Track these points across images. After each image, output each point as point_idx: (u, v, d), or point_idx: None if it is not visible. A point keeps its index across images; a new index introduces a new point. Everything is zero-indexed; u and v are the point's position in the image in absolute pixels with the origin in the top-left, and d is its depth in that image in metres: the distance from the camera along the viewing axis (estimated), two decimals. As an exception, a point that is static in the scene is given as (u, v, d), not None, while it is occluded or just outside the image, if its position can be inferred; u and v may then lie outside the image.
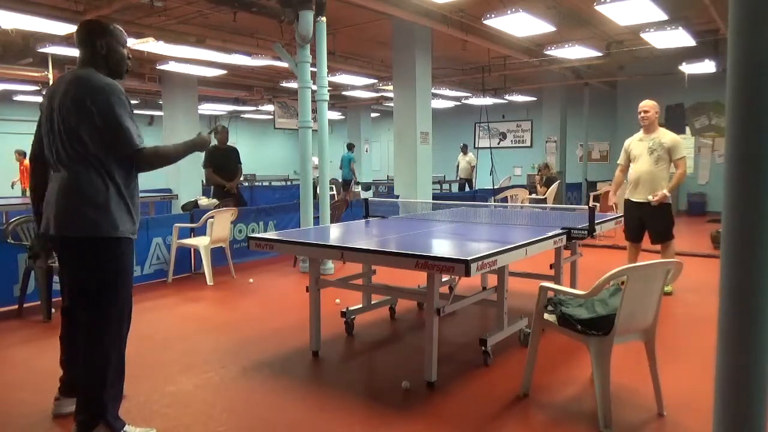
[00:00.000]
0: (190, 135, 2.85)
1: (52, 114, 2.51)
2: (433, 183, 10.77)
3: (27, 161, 13.31)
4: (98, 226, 2.44)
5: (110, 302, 2.52)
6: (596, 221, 3.84)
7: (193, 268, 6.53)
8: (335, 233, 4.32)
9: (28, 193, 11.84)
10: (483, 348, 3.51)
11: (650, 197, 5.00)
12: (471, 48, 9.85)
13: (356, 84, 12.23)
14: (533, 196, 10.20)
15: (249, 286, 6.02)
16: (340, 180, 14.32)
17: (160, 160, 2.58)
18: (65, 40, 7.72)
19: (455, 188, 14.97)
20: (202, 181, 11.13)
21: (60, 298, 2.78)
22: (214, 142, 7.81)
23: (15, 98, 14.42)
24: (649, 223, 5.17)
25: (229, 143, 7.92)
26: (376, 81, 12.20)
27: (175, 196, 11.00)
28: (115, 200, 2.48)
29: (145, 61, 10.59)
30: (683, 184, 12.02)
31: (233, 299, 5.54)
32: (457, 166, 15.06)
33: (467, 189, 14.05)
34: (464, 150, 14.83)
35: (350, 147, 14.99)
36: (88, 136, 2.43)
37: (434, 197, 10.50)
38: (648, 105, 5.14)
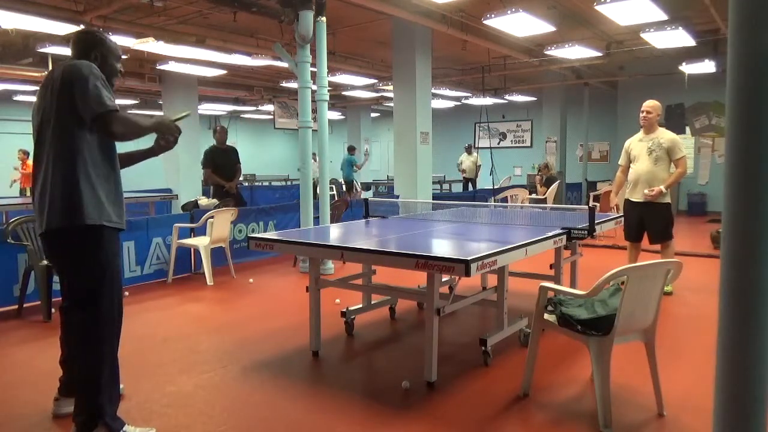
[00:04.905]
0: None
1: (42, 105, 2.51)
2: (433, 183, 10.78)
3: (30, 161, 13.25)
4: (74, 215, 2.42)
5: (101, 301, 2.50)
6: (596, 221, 3.85)
7: (193, 268, 6.53)
8: (335, 233, 4.32)
9: (28, 193, 11.91)
10: (483, 348, 3.51)
11: (646, 191, 5.00)
12: (471, 48, 9.85)
13: (356, 84, 12.23)
14: (533, 196, 10.20)
15: (249, 286, 6.01)
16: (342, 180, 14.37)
17: (130, 126, 2.50)
18: (65, 40, 7.71)
19: (456, 187, 14.95)
20: (202, 181, 11.13)
21: (60, 298, 2.78)
22: (210, 141, 7.82)
23: (15, 98, 14.42)
24: (648, 222, 5.17)
25: (228, 143, 7.91)
26: (376, 81, 12.20)
27: (175, 196, 10.98)
28: (89, 188, 2.45)
29: (145, 61, 10.56)
30: (683, 184, 12.06)
31: (233, 299, 5.54)
32: (458, 165, 15.04)
33: (470, 188, 14.06)
34: (468, 150, 14.83)
35: (351, 150, 15.00)
36: (66, 119, 2.43)
37: (434, 197, 10.49)
38: (651, 106, 5.13)
